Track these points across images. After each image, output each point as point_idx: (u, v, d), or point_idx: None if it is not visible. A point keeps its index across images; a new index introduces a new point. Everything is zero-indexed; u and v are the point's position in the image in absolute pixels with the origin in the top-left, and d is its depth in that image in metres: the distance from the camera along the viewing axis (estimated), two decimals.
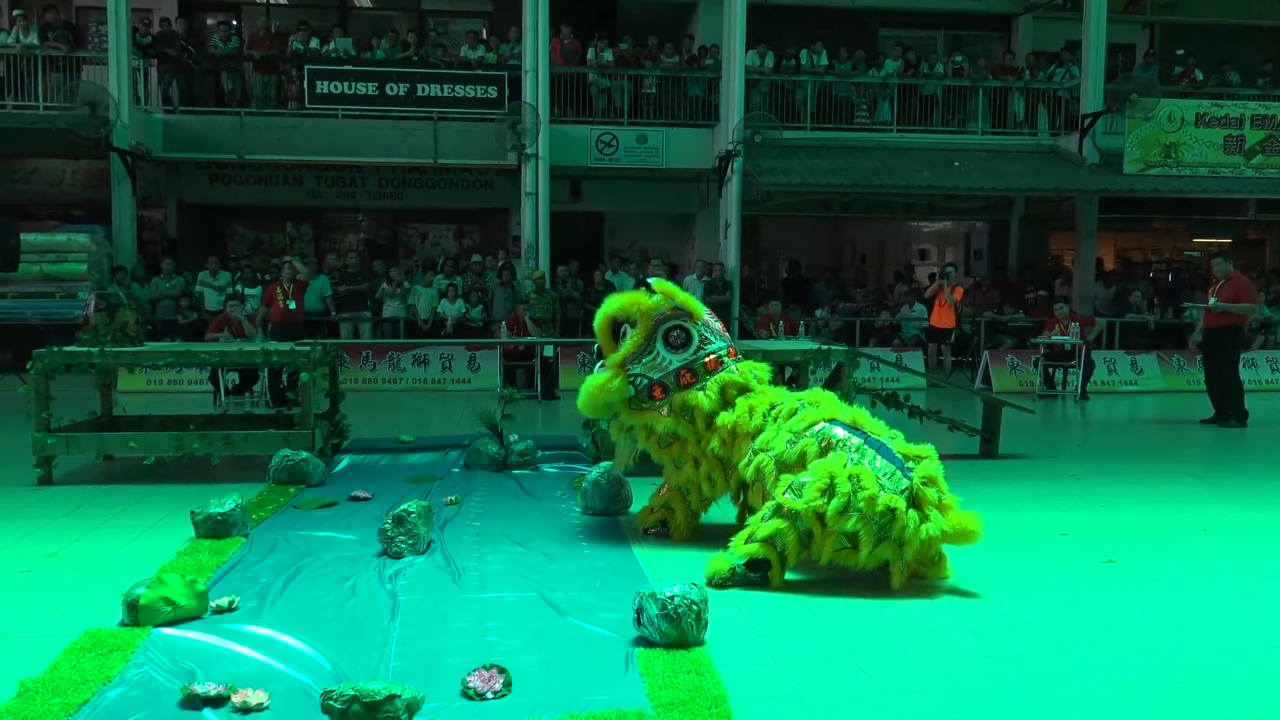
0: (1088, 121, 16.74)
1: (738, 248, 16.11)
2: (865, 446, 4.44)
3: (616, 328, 5.21)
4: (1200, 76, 18.19)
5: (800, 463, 4.51)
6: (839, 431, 4.54)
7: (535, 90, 15.38)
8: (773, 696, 3.25)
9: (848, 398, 7.22)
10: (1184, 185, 16.60)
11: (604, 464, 5.98)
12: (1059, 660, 3.60)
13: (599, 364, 5.29)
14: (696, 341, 5.06)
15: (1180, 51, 18.49)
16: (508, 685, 3.19)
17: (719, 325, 5.30)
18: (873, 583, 4.50)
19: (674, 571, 4.52)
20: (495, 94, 15.71)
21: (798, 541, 4.30)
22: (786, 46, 17.36)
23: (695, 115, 16.92)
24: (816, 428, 4.60)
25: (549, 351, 12.01)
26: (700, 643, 3.57)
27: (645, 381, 5.00)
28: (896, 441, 4.57)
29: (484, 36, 17.48)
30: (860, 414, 4.73)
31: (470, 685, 3.18)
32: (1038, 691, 3.32)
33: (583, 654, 3.50)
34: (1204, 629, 3.96)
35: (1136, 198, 17.04)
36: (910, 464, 4.40)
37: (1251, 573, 4.81)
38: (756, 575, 4.35)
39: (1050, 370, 13.22)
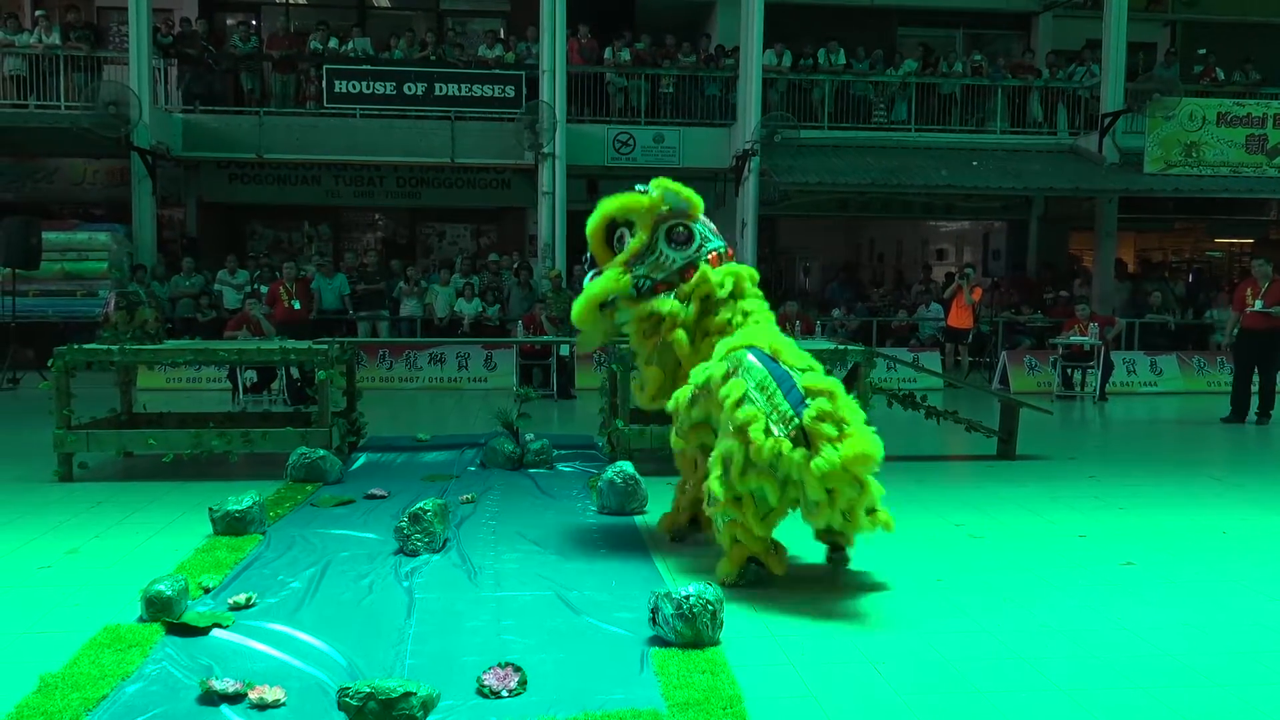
0: (1108, 121, 16.62)
1: (755, 247, 16.08)
2: (769, 378, 4.25)
3: (612, 232, 5.07)
4: (1221, 75, 18.04)
5: (707, 389, 4.42)
6: (751, 358, 4.35)
7: (552, 90, 15.40)
8: (788, 697, 3.25)
9: (865, 398, 7.25)
10: (1205, 185, 16.47)
11: (620, 463, 5.98)
12: (1076, 662, 3.58)
13: (591, 273, 5.14)
14: (699, 239, 4.96)
15: (1202, 51, 18.34)
16: (523, 684, 3.19)
17: (714, 226, 5.20)
18: (886, 583, 4.49)
19: (689, 571, 4.52)
20: (513, 93, 15.74)
21: (750, 523, 4.19)
22: (804, 46, 17.32)
23: (712, 115, 16.90)
24: (733, 353, 4.47)
25: (565, 350, 12.02)
26: (715, 642, 3.57)
27: (648, 283, 4.90)
28: (810, 375, 4.32)
29: (502, 36, 17.52)
30: (784, 343, 4.55)
31: (485, 683, 3.18)
32: (1054, 694, 3.30)
33: (598, 653, 3.50)
34: (1223, 632, 3.93)
35: (1157, 198, 16.91)
36: (809, 400, 4.14)
37: (1272, 576, 4.77)
38: (753, 568, 4.31)
39: (1069, 371, 13.14)
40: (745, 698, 3.14)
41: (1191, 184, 16.39)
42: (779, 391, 4.19)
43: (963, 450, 8.41)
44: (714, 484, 4.22)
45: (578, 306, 5.00)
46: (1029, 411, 8.20)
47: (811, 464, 3.94)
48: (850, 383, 7.64)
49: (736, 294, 4.89)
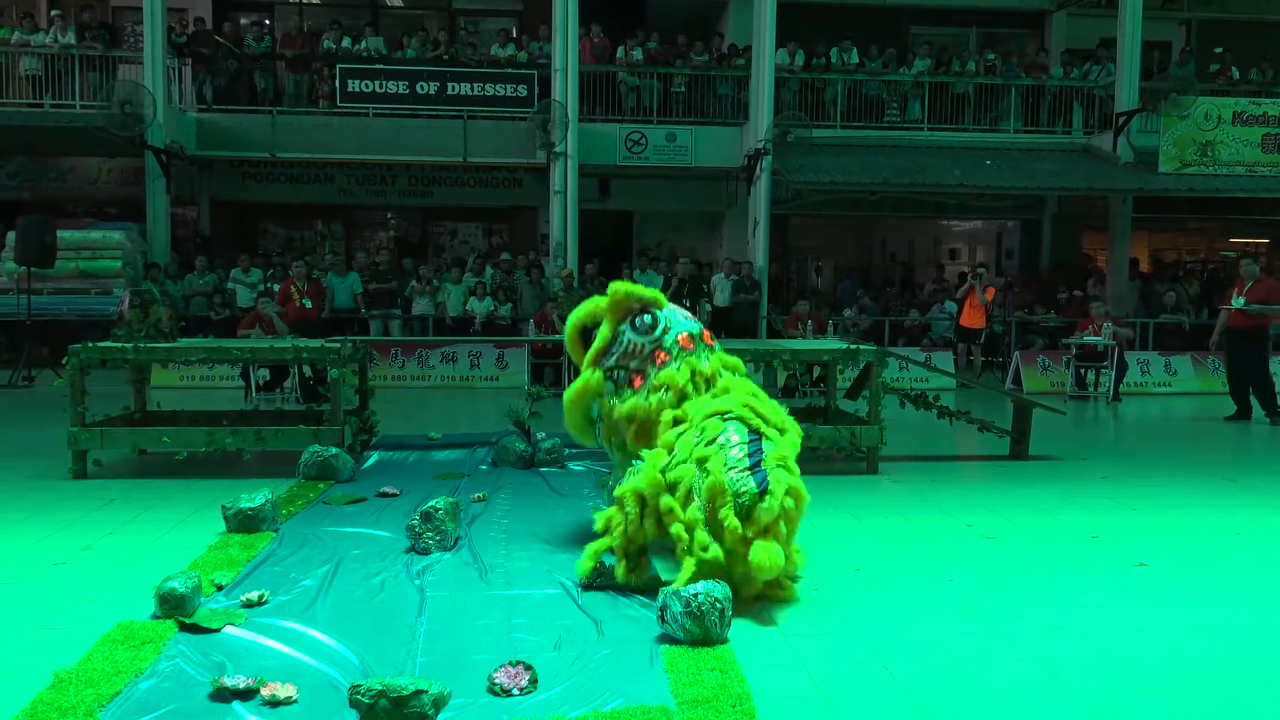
0: (1122, 120, 16.54)
1: (766, 246, 16.07)
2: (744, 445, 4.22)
3: (586, 336, 5.22)
4: (1237, 74, 17.93)
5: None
6: (734, 437, 4.28)
7: (565, 89, 15.42)
8: (797, 695, 3.24)
9: (877, 398, 7.24)
10: (1220, 184, 16.37)
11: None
12: (1088, 663, 3.57)
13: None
14: (664, 323, 4.98)
15: (1219, 49, 18.23)
16: (533, 682, 3.20)
17: (685, 312, 5.26)
18: (898, 584, 4.48)
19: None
20: (525, 92, 15.76)
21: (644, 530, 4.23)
22: (817, 45, 17.29)
23: (724, 114, 16.90)
24: (711, 419, 4.44)
25: None
26: (724, 640, 3.56)
27: (624, 374, 4.95)
28: (785, 442, 4.32)
29: (514, 35, 17.54)
30: (766, 408, 4.49)
31: (496, 681, 3.19)
32: (1066, 695, 3.29)
33: (608, 651, 3.50)
34: (1236, 634, 3.91)
35: (1171, 197, 16.83)
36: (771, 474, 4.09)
37: None
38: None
39: (1082, 371, 13.09)
40: (754, 696, 3.13)
41: (1206, 183, 16.30)
42: (746, 459, 4.14)
43: (975, 451, 8.38)
44: (638, 480, 4.24)
45: (567, 413, 5.18)
46: (1042, 412, 8.17)
47: (713, 556, 3.96)
48: (862, 383, 7.64)
49: (709, 383, 4.83)
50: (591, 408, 5.15)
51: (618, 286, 5.12)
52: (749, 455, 4.16)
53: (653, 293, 5.14)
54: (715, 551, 3.98)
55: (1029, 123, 17.50)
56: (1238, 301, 10.39)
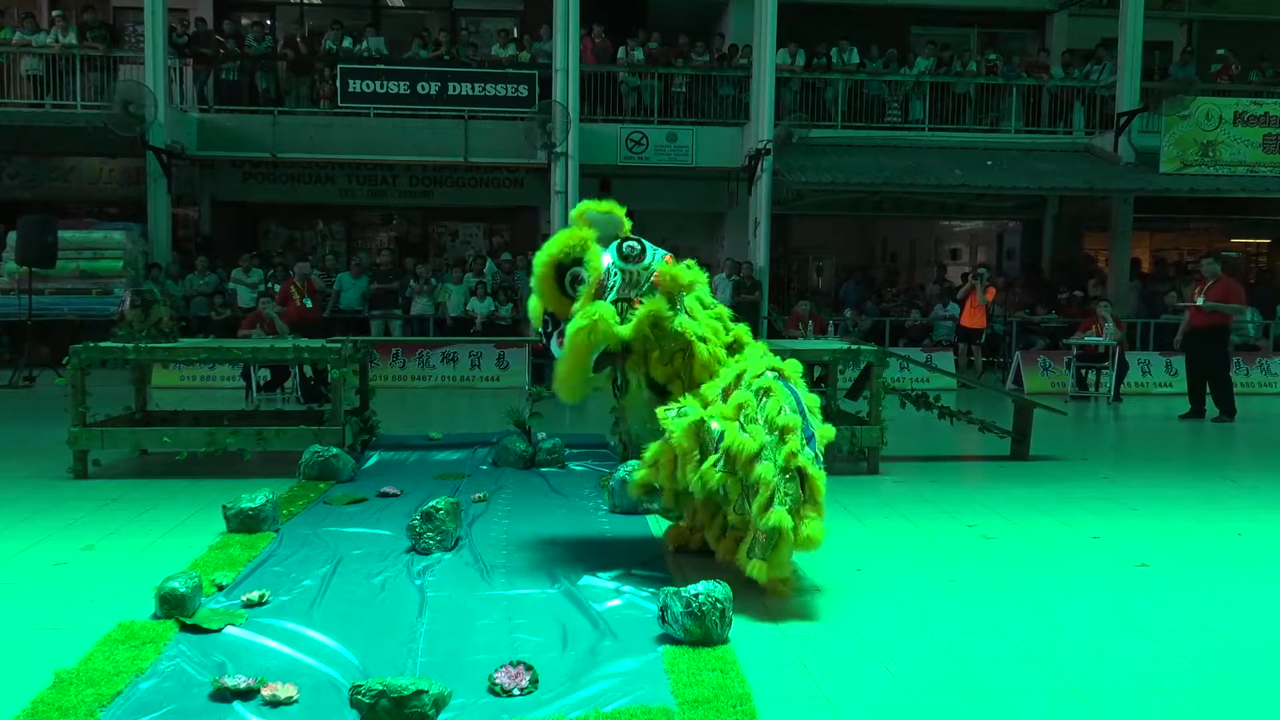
0: (1124, 120, 16.54)
1: (767, 247, 16.08)
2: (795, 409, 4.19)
3: (562, 277, 4.65)
4: (1237, 68, 17.91)
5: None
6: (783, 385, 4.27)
7: (566, 89, 15.42)
8: (798, 696, 3.24)
9: (878, 399, 7.24)
10: (1222, 184, 16.37)
11: (632, 463, 5.98)
12: (1089, 664, 3.57)
13: (558, 337, 4.65)
14: (650, 247, 4.72)
15: (1220, 51, 18.22)
16: (534, 682, 3.20)
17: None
18: (899, 584, 4.48)
19: (699, 569, 4.51)
20: (526, 93, 15.76)
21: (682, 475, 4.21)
22: (817, 45, 17.29)
23: (725, 114, 16.90)
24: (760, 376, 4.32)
25: None
26: (725, 640, 3.56)
27: (627, 306, 4.55)
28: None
29: (515, 35, 17.55)
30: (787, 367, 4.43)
31: (497, 681, 3.19)
32: (1068, 695, 3.29)
33: (608, 651, 3.50)
34: (1238, 634, 3.91)
35: (1172, 197, 16.82)
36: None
37: None
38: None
39: (1083, 371, 13.09)
40: (755, 696, 3.13)
41: (1208, 183, 16.29)
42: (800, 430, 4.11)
43: (976, 451, 8.38)
44: (679, 431, 4.12)
45: (566, 367, 4.56)
46: (1043, 412, 8.16)
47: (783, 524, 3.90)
48: (863, 383, 7.63)
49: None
50: (594, 351, 4.52)
51: (581, 207, 4.75)
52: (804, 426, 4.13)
53: (614, 208, 4.80)
54: (782, 517, 3.88)
55: (1030, 123, 17.51)
56: (1199, 300, 10.56)
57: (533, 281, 4.74)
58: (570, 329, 4.49)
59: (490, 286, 14.93)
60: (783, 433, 4.05)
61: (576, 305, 4.57)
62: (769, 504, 3.94)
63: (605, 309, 4.48)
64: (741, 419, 4.12)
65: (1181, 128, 16.29)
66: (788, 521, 3.91)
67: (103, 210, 16.79)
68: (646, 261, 4.65)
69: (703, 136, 16.60)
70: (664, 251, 4.79)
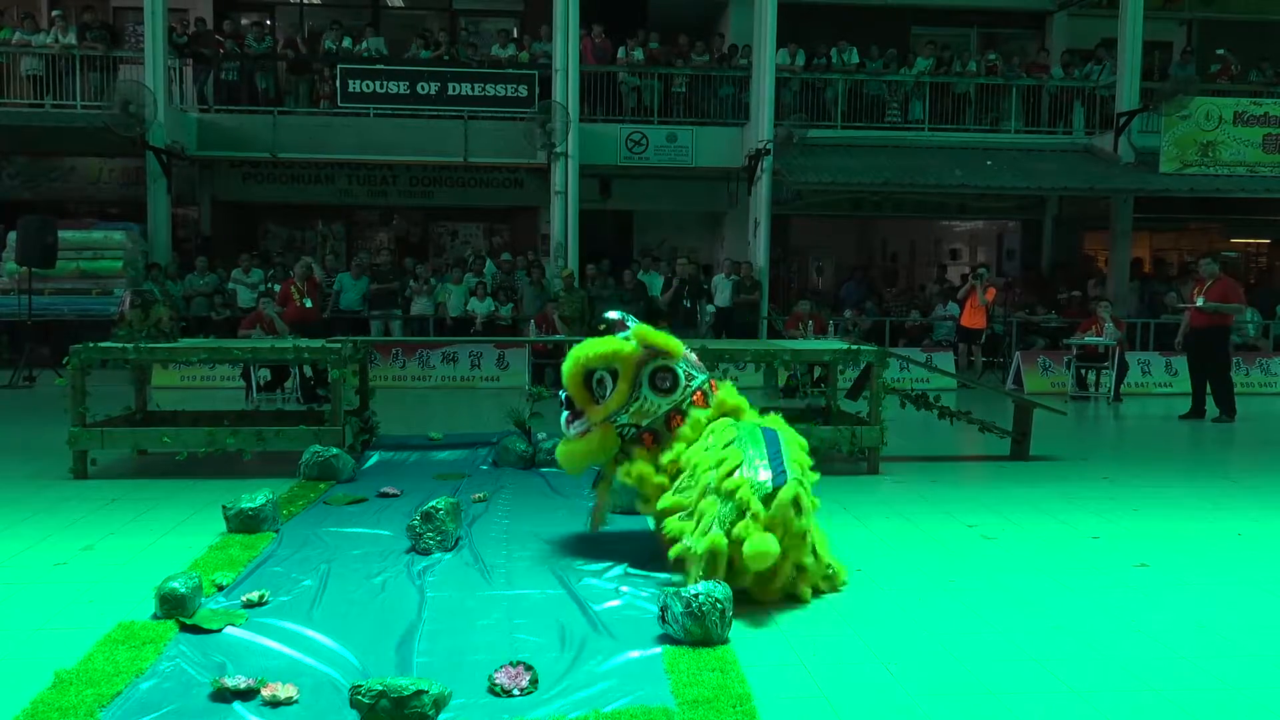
0: (1123, 120, 16.53)
1: (767, 247, 16.07)
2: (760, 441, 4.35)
3: (589, 376, 4.79)
4: (1237, 69, 17.90)
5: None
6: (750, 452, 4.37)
7: (565, 89, 15.42)
8: (798, 696, 3.24)
9: (878, 399, 7.24)
10: (1221, 185, 16.37)
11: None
12: (1089, 664, 3.57)
13: (572, 420, 4.87)
14: (683, 380, 4.71)
15: (1221, 50, 18.22)
16: (534, 682, 3.20)
17: (694, 358, 4.96)
18: (899, 584, 4.48)
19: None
20: (525, 93, 15.76)
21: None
22: (817, 45, 17.29)
23: (725, 114, 16.90)
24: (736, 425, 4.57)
25: None
26: (725, 641, 3.56)
27: (633, 431, 4.66)
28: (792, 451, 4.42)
29: (515, 35, 17.55)
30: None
31: (497, 682, 3.19)
32: (1068, 696, 3.29)
33: (608, 651, 3.50)
34: (1238, 635, 3.91)
35: (1172, 197, 16.82)
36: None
37: None
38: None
39: (1083, 371, 13.09)
40: (755, 696, 3.13)
41: (1207, 184, 16.29)
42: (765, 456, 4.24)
43: (976, 451, 8.38)
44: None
45: (570, 464, 4.88)
46: (1043, 412, 8.16)
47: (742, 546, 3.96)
48: (863, 383, 7.63)
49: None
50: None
51: (639, 332, 4.77)
52: (769, 457, 4.21)
53: (671, 341, 4.81)
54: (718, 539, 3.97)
55: (1030, 123, 17.50)
56: (1199, 301, 10.59)
57: (564, 372, 4.88)
58: (575, 445, 4.79)
59: (490, 287, 14.92)
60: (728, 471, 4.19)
61: (593, 412, 4.74)
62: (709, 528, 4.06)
63: (643, 470, 4.65)
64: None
65: (1181, 128, 16.28)
66: (723, 542, 3.97)
67: (103, 210, 16.79)
68: (676, 396, 4.69)
69: (702, 136, 16.59)
70: (704, 377, 4.84)
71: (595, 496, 5.09)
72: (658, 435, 4.68)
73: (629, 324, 4.85)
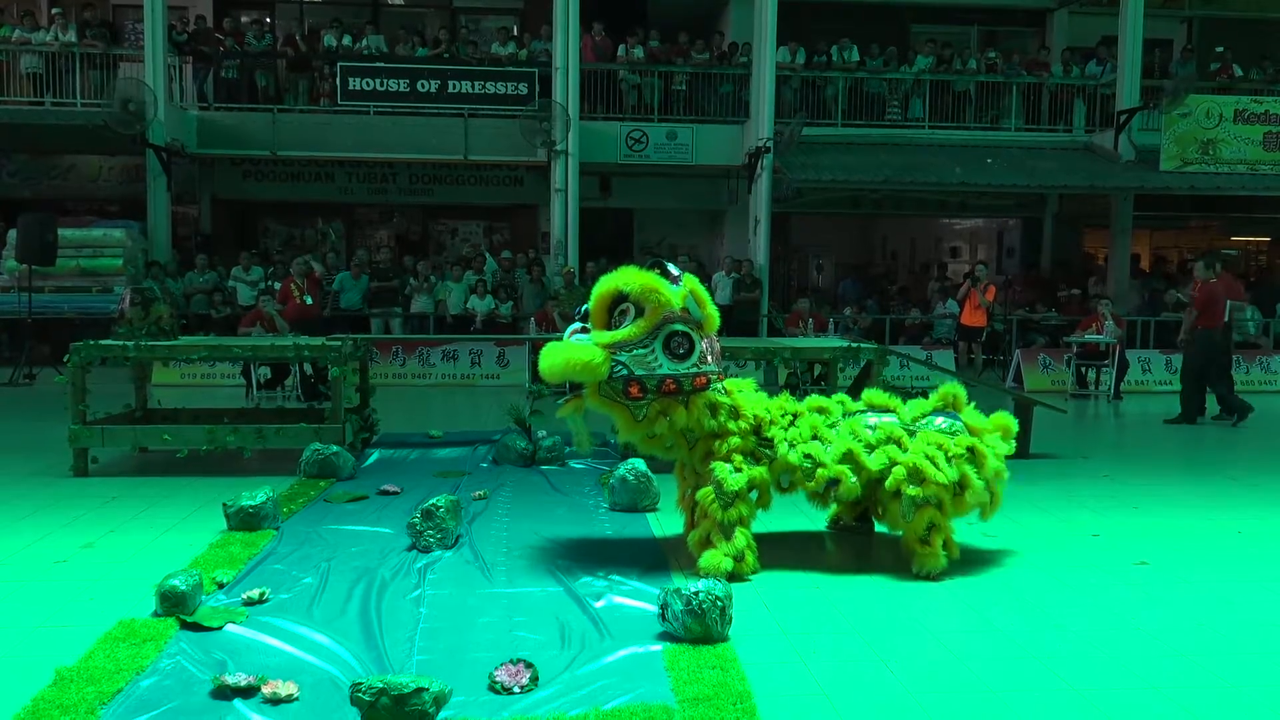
0: (1124, 118, 16.53)
1: (767, 244, 16.08)
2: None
3: (617, 303, 4.58)
4: (1240, 72, 17.91)
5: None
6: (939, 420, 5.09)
7: (565, 87, 15.42)
8: (798, 693, 3.24)
9: None
10: (1222, 183, 16.38)
11: (632, 460, 5.99)
12: (1089, 662, 3.57)
13: (577, 328, 4.63)
14: (695, 358, 4.51)
15: (1220, 49, 18.21)
16: (534, 680, 3.20)
17: (719, 348, 4.79)
18: (900, 581, 4.48)
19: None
20: (525, 91, 15.76)
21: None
22: (817, 42, 17.29)
23: (725, 112, 16.89)
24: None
25: None
26: (725, 638, 3.56)
27: (624, 373, 4.42)
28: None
29: (515, 33, 17.54)
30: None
31: (497, 679, 3.19)
32: (1068, 693, 3.29)
33: (609, 649, 3.50)
34: (1238, 633, 3.91)
35: (1172, 195, 16.82)
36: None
37: None
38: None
39: (1083, 369, 13.09)
40: (755, 694, 3.13)
41: (1208, 181, 16.30)
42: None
43: None
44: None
45: (553, 365, 4.45)
46: (1043, 410, 8.17)
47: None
48: (863, 381, 7.63)
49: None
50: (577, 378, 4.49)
51: (690, 282, 4.60)
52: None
53: (714, 317, 4.65)
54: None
55: (1030, 121, 17.50)
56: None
57: (597, 285, 4.66)
58: (571, 351, 4.43)
59: (490, 284, 14.92)
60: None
61: (599, 335, 4.53)
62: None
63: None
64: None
65: (1182, 126, 16.28)
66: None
67: (102, 208, 16.79)
68: (681, 367, 4.50)
69: (703, 134, 16.59)
70: (713, 369, 4.66)
71: (570, 421, 4.81)
72: (645, 389, 4.46)
73: (681, 282, 4.65)
